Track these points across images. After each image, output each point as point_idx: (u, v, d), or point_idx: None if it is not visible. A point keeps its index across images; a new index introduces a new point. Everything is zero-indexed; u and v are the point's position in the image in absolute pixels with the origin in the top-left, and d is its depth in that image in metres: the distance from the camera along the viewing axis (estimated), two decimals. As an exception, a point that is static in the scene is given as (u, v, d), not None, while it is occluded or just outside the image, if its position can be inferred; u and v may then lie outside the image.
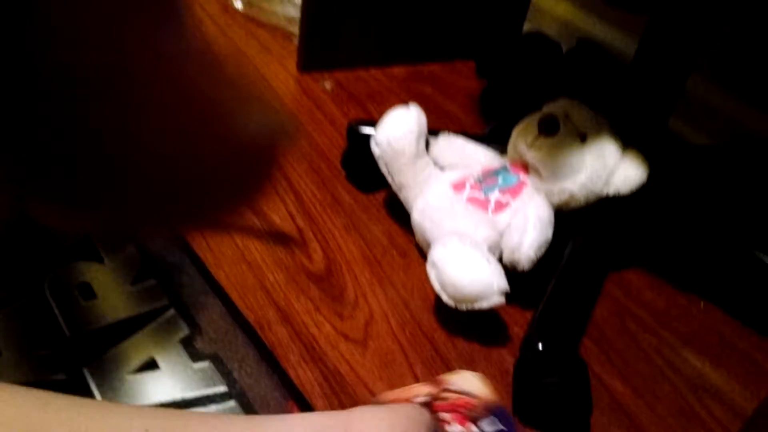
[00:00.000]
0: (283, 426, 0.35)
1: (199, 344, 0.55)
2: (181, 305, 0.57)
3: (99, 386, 0.49)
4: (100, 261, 0.60)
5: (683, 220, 0.70)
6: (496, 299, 0.55)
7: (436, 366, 0.57)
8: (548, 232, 0.61)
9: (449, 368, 0.57)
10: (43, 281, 0.57)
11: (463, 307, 0.56)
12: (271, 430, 0.35)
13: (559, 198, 0.63)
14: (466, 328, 0.60)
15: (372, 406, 0.41)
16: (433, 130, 0.69)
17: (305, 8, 0.91)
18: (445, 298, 0.57)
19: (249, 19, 1.07)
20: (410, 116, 0.66)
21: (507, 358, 0.58)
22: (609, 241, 0.68)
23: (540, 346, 0.52)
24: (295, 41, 0.99)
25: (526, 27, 1.10)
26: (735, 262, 0.67)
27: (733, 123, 0.89)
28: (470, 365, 0.58)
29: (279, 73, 0.94)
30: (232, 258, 0.64)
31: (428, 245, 0.62)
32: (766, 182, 0.78)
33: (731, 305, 0.67)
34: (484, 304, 0.55)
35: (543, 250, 0.60)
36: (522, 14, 1.08)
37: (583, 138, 0.63)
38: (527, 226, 0.60)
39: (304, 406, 0.52)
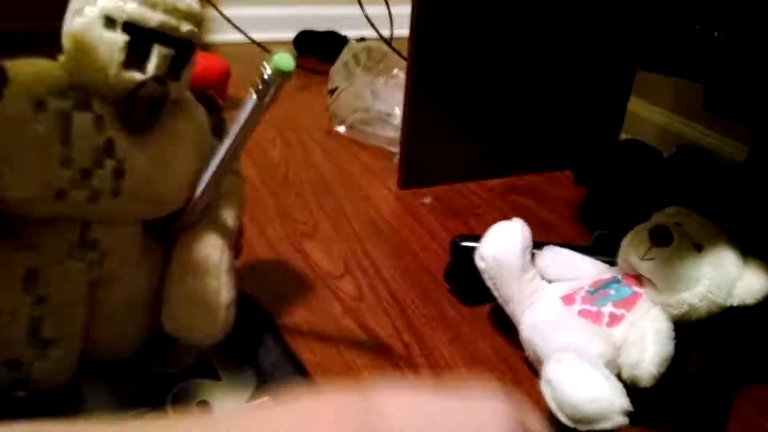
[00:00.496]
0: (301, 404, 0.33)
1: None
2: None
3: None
4: (218, 378, 0.62)
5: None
6: (618, 419, 0.52)
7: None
8: (669, 347, 0.58)
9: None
10: (165, 397, 0.59)
11: (583, 428, 0.53)
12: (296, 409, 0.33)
13: (678, 310, 0.60)
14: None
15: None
16: (538, 243, 0.69)
17: (405, 129, 0.96)
18: (562, 418, 0.54)
19: (352, 142, 1.13)
20: (515, 229, 0.67)
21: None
22: (738, 353, 0.64)
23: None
24: (396, 160, 1.04)
25: (623, 135, 1.10)
26: None
27: None
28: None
29: (381, 191, 0.98)
30: (341, 373, 0.65)
31: (539, 361, 0.60)
32: None
33: None
34: (606, 425, 0.52)
35: (665, 365, 0.57)
36: (619, 122, 1.09)
37: (698, 248, 0.61)
38: (646, 340, 0.57)
39: None
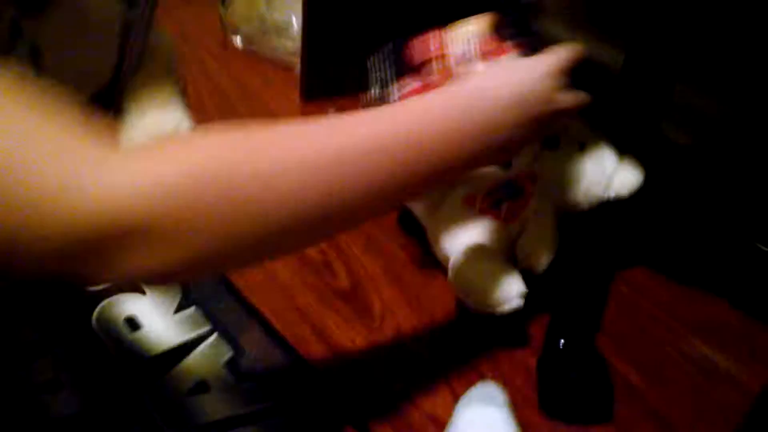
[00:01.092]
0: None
1: (244, 365, 0.58)
2: (223, 330, 0.61)
3: (158, 410, 0.53)
4: (143, 293, 0.63)
5: (681, 218, 0.75)
6: (516, 302, 0.59)
7: (464, 369, 0.61)
8: (557, 238, 0.66)
9: (477, 372, 0.61)
10: (90, 316, 0.60)
11: (487, 311, 0.60)
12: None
13: (565, 205, 0.67)
14: (488, 333, 0.65)
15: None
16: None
17: (305, 40, 0.95)
18: (469, 303, 0.61)
19: (249, 54, 1.11)
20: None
21: (529, 358, 0.62)
22: (614, 241, 0.73)
23: (561, 343, 0.57)
24: (296, 72, 1.04)
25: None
26: (735, 253, 0.72)
27: (719, 124, 0.94)
28: (495, 367, 0.62)
29: (285, 105, 0.99)
30: (264, 283, 0.68)
31: (447, 258, 0.67)
32: (759, 176, 0.83)
33: (733, 295, 0.71)
34: (506, 308, 0.60)
35: (554, 253, 0.65)
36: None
37: (581, 147, 0.68)
38: (538, 233, 0.65)
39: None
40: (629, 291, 0.72)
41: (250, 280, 0.68)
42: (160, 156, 0.35)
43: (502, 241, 0.66)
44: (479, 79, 0.52)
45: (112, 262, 0.33)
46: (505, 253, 0.65)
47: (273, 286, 0.68)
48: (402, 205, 0.72)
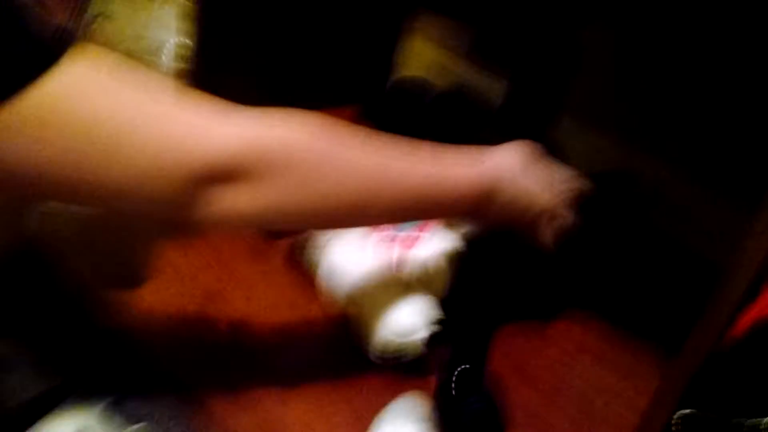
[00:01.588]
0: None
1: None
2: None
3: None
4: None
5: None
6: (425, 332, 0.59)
7: (367, 396, 0.59)
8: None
9: (379, 397, 0.59)
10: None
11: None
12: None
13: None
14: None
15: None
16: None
17: (197, 62, 0.91)
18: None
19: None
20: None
21: (428, 385, 0.61)
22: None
23: (458, 367, 0.56)
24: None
25: (403, 72, 1.17)
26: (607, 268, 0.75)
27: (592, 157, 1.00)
28: (393, 394, 0.60)
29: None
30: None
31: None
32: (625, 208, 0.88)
33: (614, 314, 0.75)
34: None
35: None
36: (397, 60, 1.15)
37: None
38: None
39: None
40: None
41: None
42: (272, 121, 0.45)
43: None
44: (513, 172, 0.58)
45: (216, 196, 0.42)
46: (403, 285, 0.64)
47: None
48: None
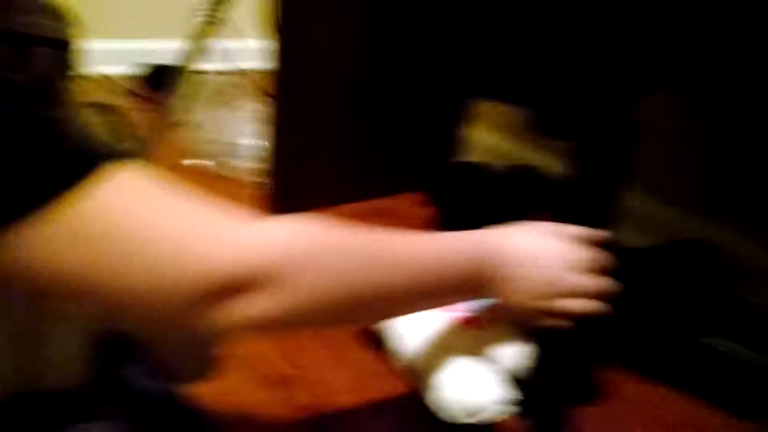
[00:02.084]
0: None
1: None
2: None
3: None
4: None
5: (639, 317, 0.77)
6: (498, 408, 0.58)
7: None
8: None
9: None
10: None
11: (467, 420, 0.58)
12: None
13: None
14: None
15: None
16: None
17: (275, 159, 0.97)
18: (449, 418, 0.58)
19: (200, 174, 1.12)
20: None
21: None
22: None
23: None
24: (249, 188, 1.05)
25: (464, 157, 1.20)
26: (689, 349, 0.73)
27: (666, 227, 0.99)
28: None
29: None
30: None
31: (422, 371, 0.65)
32: (702, 277, 0.87)
33: (703, 392, 0.72)
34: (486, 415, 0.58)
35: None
36: (459, 145, 1.19)
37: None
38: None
39: None
40: (608, 393, 0.72)
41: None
42: (285, 227, 0.46)
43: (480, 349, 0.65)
44: (517, 249, 0.57)
45: (229, 307, 0.42)
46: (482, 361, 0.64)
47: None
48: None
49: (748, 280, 0.89)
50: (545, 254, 0.58)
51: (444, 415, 0.59)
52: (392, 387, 0.68)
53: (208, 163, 1.15)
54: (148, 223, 0.41)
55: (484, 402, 0.59)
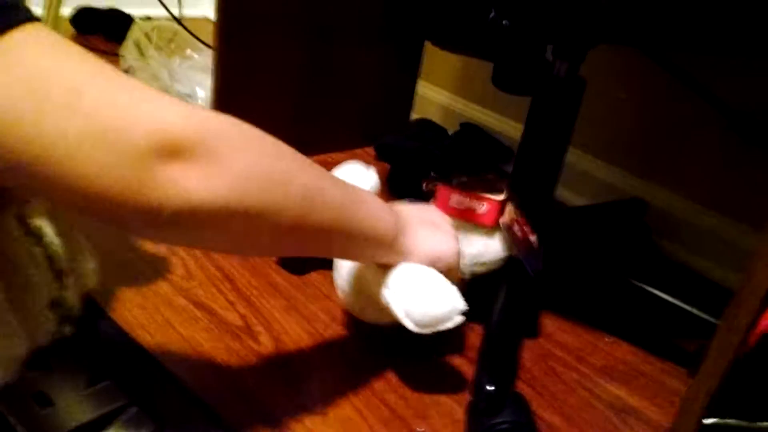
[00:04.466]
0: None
1: (167, 437, 0.55)
2: (141, 401, 0.58)
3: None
4: (50, 369, 0.59)
5: (574, 267, 0.81)
6: (458, 318, 0.60)
7: (394, 424, 0.61)
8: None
9: (406, 425, 0.61)
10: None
11: (428, 331, 0.59)
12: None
13: (471, 269, 0.71)
14: (414, 385, 0.65)
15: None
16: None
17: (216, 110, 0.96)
18: (410, 324, 0.59)
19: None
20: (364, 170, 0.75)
21: (455, 407, 0.64)
22: (525, 291, 0.77)
23: (490, 388, 0.59)
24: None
25: (414, 115, 1.22)
26: (620, 292, 0.78)
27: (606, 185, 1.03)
28: (424, 419, 0.62)
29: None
30: (183, 350, 0.65)
31: (365, 300, 0.67)
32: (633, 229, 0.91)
33: (632, 336, 0.77)
34: (449, 325, 0.59)
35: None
36: (409, 103, 1.20)
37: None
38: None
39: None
40: (541, 339, 0.76)
41: (166, 348, 0.65)
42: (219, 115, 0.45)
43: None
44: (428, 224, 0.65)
45: (167, 175, 0.39)
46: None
47: (192, 352, 0.65)
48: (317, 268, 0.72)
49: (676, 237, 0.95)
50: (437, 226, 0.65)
51: (407, 323, 0.59)
52: (341, 337, 0.71)
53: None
54: (79, 70, 0.39)
55: (447, 313, 0.60)
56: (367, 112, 1.13)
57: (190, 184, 0.40)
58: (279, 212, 0.47)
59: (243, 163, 0.44)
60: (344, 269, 0.68)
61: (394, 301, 0.60)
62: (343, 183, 0.56)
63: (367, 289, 0.65)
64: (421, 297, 0.59)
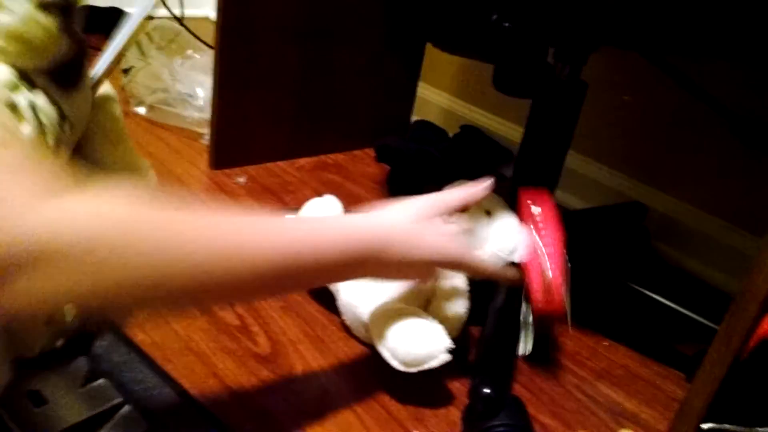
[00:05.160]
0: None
1: (161, 437, 0.55)
2: (136, 401, 0.58)
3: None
4: (45, 368, 0.59)
5: (573, 271, 0.81)
6: (443, 357, 0.61)
7: (391, 427, 0.61)
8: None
9: (403, 427, 0.61)
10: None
11: (414, 370, 0.61)
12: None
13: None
14: (411, 388, 0.65)
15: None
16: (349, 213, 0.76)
17: (216, 110, 0.96)
18: (395, 364, 0.61)
19: (153, 124, 1.10)
20: (326, 204, 0.74)
21: (452, 410, 0.63)
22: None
23: (486, 391, 0.58)
24: (203, 141, 1.04)
25: (414, 117, 1.22)
26: (619, 296, 0.77)
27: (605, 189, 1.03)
28: (420, 422, 0.62)
29: (193, 172, 0.98)
30: (179, 350, 0.65)
31: (360, 321, 0.67)
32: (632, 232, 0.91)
33: (630, 340, 0.77)
34: (434, 363, 0.61)
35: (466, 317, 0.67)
36: (410, 105, 1.20)
37: (488, 214, 0.72)
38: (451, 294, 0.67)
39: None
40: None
41: (162, 347, 0.65)
42: (77, 203, 0.41)
43: (419, 299, 0.67)
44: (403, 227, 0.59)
45: (16, 286, 0.38)
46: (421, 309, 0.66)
47: (188, 352, 0.65)
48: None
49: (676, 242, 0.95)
50: (421, 234, 0.60)
51: (393, 363, 0.62)
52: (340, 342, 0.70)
53: (155, 111, 1.13)
54: None
55: (430, 352, 0.61)
56: (367, 114, 1.13)
57: (34, 293, 0.39)
58: (166, 298, 0.46)
59: (94, 269, 0.41)
60: (340, 299, 0.70)
61: (380, 342, 0.62)
62: (274, 222, 0.53)
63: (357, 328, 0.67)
64: (406, 338, 0.61)
